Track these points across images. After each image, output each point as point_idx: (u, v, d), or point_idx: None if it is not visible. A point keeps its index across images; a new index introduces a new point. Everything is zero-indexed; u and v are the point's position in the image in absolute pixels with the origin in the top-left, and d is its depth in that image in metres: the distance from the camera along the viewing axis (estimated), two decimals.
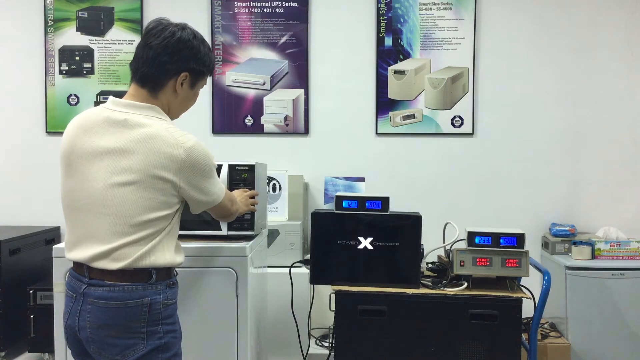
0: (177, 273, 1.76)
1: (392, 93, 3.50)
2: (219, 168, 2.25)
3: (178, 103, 1.75)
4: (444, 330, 2.20)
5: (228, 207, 1.86)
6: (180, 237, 2.23)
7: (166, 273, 1.67)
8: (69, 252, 1.67)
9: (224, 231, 2.23)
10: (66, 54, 3.54)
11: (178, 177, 1.61)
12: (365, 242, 2.28)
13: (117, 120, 1.62)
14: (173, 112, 1.76)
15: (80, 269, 1.64)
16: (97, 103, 3.41)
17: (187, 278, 2.13)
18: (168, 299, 1.66)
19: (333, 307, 2.25)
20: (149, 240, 1.60)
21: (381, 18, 3.49)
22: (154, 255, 1.61)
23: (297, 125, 3.53)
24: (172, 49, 1.67)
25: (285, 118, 3.53)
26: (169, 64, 1.67)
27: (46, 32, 3.54)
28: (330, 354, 2.47)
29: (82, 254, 1.62)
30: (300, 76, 3.52)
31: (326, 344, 3.03)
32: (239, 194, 2.07)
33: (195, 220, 2.25)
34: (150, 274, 1.62)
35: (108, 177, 1.59)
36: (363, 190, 3.26)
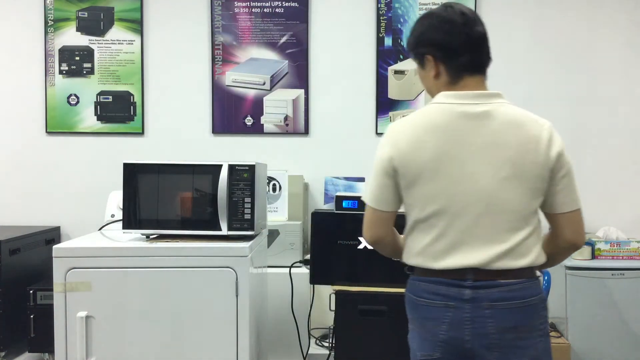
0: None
1: (392, 93, 3.50)
2: (218, 167, 2.25)
3: None
4: None
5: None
6: (180, 236, 2.26)
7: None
8: (439, 261, 1.58)
9: (224, 231, 2.23)
10: (66, 54, 3.54)
11: (547, 159, 1.55)
12: (365, 242, 2.28)
13: (477, 112, 1.59)
14: None
15: (456, 274, 1.56)
16: (97, 103, 3.40)
17: (187, 278, 2.13)
18: None
19: (333, 307, 2.25)
20: (537, 234, 1.58)
21: (381, 18, 3.48)
22: (541, 252, 1.60)
23: (297, 125, 3.53)
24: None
25: (285, 118, 3.53)
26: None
27: (46, 32, 3.54)
28: (330, 354, 2.47)
29: (468, 258, 1.55)
30: (300, 76, 3.52)
31: (326, 344, 3.03)
32: None
33: (195, 220, 2.25)
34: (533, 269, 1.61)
35: (492, 172, 1.54)
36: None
